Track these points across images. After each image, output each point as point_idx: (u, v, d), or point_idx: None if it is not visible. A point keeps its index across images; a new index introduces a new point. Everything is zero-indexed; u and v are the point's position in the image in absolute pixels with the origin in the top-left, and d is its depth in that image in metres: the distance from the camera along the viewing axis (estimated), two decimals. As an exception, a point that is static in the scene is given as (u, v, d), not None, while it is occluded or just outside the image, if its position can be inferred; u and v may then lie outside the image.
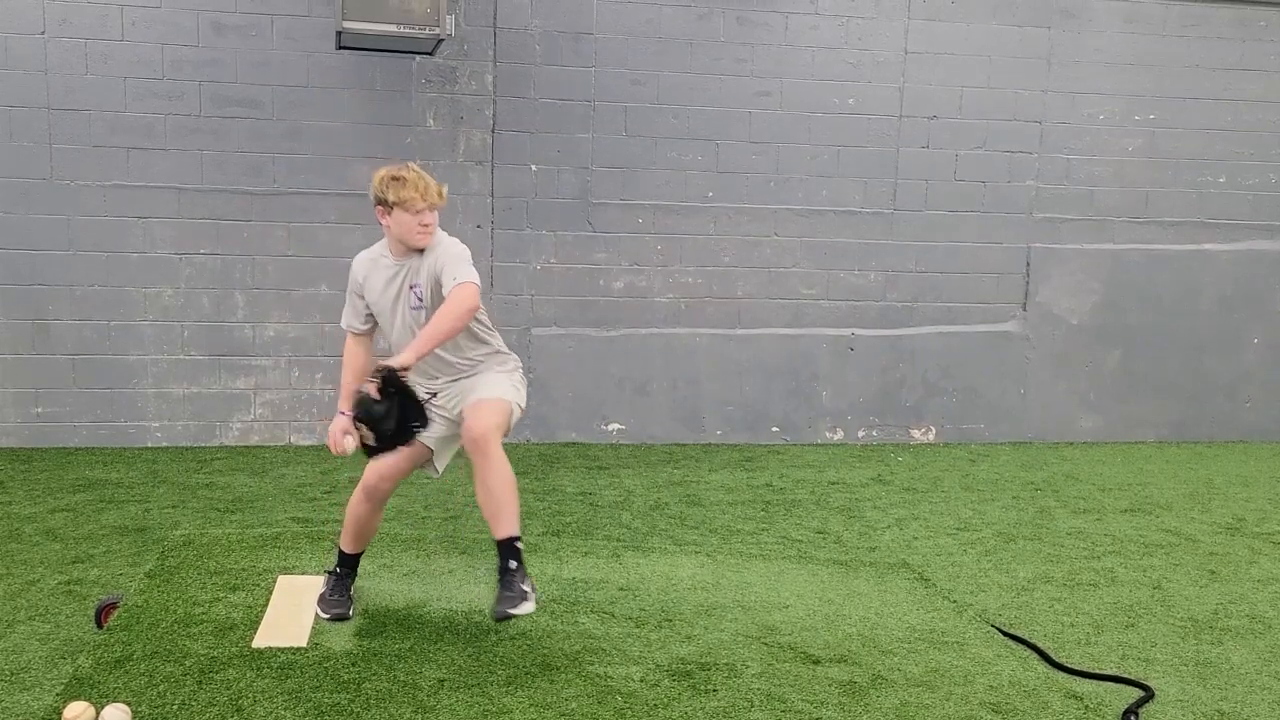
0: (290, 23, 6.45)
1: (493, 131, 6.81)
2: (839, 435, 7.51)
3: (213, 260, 6.58)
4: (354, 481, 5.88)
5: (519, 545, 3.27)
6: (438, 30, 5.87)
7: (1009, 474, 6.74)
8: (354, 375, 3.53)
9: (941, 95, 7.30)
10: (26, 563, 4.43)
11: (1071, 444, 7.69)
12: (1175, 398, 7.90)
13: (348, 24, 5.79)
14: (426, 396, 3.41)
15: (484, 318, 3.50)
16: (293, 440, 6.82)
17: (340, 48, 6.35)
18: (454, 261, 3.30)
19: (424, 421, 3.27)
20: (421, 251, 3.36)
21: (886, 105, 7.25)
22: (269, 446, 6.73)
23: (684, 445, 7.22)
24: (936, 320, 7.54)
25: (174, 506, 5.34)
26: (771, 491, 6.11)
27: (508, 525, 3.25)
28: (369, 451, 3.29)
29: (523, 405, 3.52)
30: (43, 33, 6.20)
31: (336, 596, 3.59)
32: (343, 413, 3.42)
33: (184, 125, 6.42)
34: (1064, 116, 7.48)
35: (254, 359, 6.70)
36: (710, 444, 7.27)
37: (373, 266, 3.48)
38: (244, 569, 3.96)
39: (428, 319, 3.31)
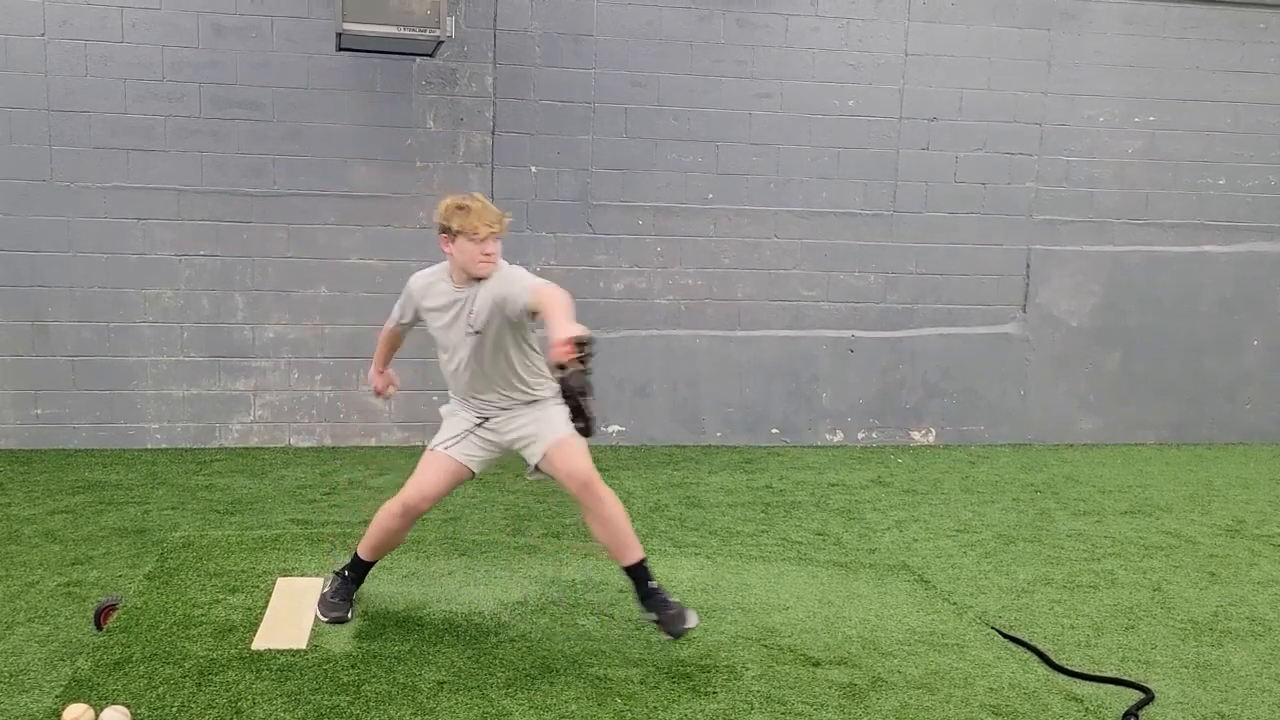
0: (290, 24, 6.46)
1: (493, 133, 6.81)
2: (839, 437, 7.51)
3: (212, 262, 6.58)
4: (354, 483, 5.92)
5: (648, 565, 3.45)
6: (438, 32, 5.87)
7: (1009, 476, 6.73)
8: (388, 351, 3.84)
9: (941, 97, 7.30)
10: (26, 564, 4.43)
11: (1071, 446, 7.69)
12: (1175, 399, 7.89)
13: (348, 26, 5.78)
14: (477, 421, 3.49)
15: (539, 347, 3.52)
16: (292, 442, 6.82)
17: (340, 49, 6.35)
18: (518, 278, 3.37)
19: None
20: (480, 280, 3.40)
21: (887, 107, 7.25)
22: (268, 448, 6.73)
23: (684, 447, 7.21)
24: (936, 322, 7.54)
25: (173, 508, 5.34)
26: (771, 493, 6.11)
27: (634, 550, 3.43)
28: (589, 429, 3.20)
29: None
30: (43, 34, 6.21)
31: (338, 600, 3.58)
32: (380, 371, 3.86)
33: (184, 127, 6.43)
34: (1064, 118, 7.48)
35: (253, 361, 6.70)
36: (710, 446, 7.27)
37: (429, 289, 3.51)
38: (243, 571, 3.95)
39: (480, 347, 3.39)
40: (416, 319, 3.61)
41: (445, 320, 3.46)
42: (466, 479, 3.55)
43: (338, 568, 3.73)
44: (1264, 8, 7.58)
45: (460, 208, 3.36)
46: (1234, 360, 7.94)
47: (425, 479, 3.48)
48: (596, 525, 3.40)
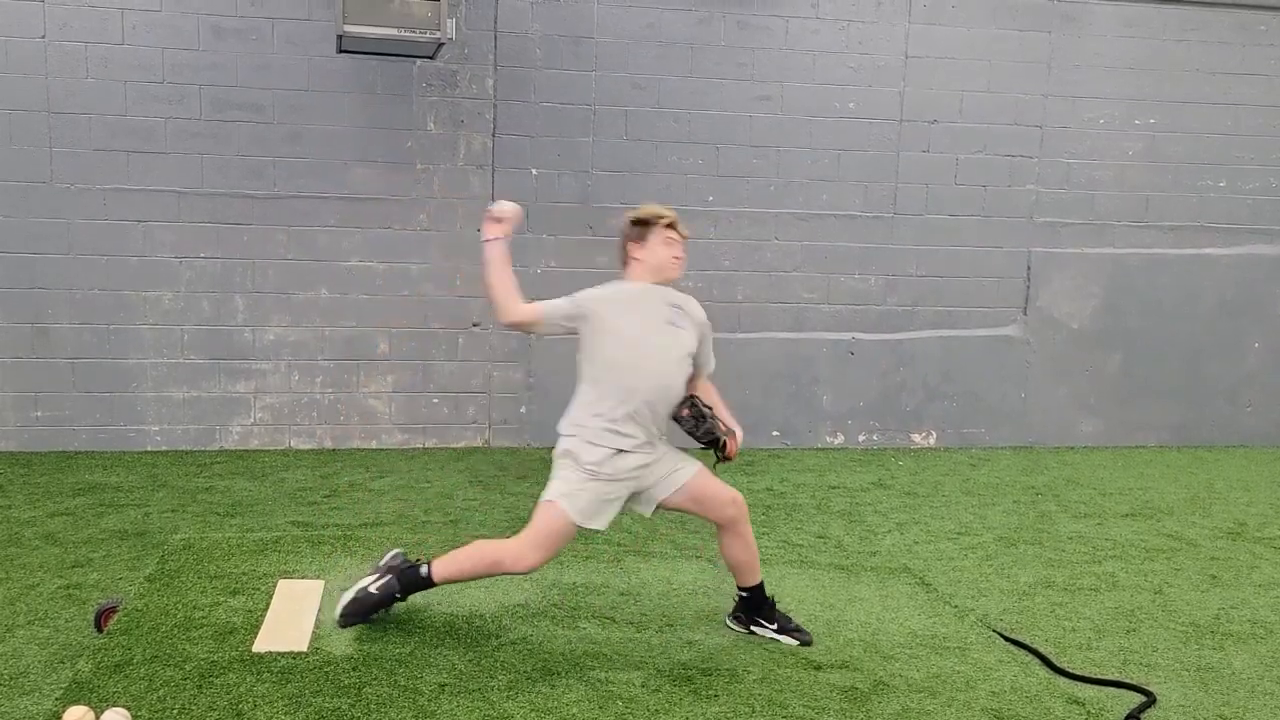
0: (291, 26, 6.46)
1: (493, 135, 6.81)
2: (840, 439, 7.51)
3: (213, 264, 6.58)
4: (354, 486, 5.91)
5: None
6: (438, 34, 5.87)
7: (1009, 478, 6.73)
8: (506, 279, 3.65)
9: (942, 99, 7.30)
10: (26, 567, 4.42)
11: (1072, 448, 7.69)
12: (1176, 402, 7.89)
13: (348, 28, 5.78)
14: (610, 452, 3.46)
15: None
16: (293, 444, 6.81)
17: (341, 51, 6.35)
18: (710, 341, 3.59)
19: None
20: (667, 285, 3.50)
21: (887, 109, 7.25)
22: (269, 450, 6.72)
23: (684, 449, 7.18)
24: (937, 324, 7.54)
25: (174, 510, 5.34)
26: (772, 496, 6.10)
27: (759, 571, 3.67)
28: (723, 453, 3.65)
29: None
30: (43, 36, 6.21)
31: (365, 611, 3.44)
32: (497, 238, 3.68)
33: (184, 129, 6.43)
34: (1064, 120, 7.48)
35: (254, 363, 6.70)
36: (710, 448, 7.25)
37: (611, 295, 3.54)
38: (244, 573, 3.95)
39: (676, 350, 3.47)
40: (579, 318, 3.52)
41: (635, 310, 3.45)
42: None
43: (397, 590, 3.47)
44: (1264, 10, 7.58)
45: (652, 211, 3.53)
46: (1235, 363, 7.94)
47: (553, 549, 3.38)
48: (739, 545, 3.57)
